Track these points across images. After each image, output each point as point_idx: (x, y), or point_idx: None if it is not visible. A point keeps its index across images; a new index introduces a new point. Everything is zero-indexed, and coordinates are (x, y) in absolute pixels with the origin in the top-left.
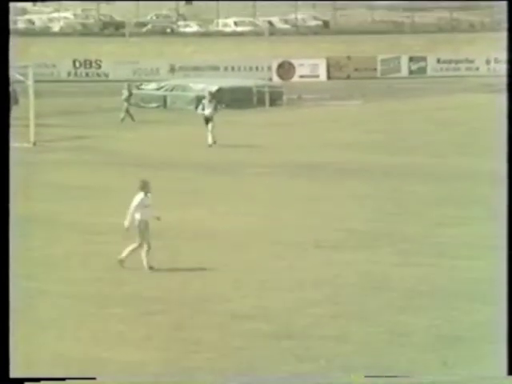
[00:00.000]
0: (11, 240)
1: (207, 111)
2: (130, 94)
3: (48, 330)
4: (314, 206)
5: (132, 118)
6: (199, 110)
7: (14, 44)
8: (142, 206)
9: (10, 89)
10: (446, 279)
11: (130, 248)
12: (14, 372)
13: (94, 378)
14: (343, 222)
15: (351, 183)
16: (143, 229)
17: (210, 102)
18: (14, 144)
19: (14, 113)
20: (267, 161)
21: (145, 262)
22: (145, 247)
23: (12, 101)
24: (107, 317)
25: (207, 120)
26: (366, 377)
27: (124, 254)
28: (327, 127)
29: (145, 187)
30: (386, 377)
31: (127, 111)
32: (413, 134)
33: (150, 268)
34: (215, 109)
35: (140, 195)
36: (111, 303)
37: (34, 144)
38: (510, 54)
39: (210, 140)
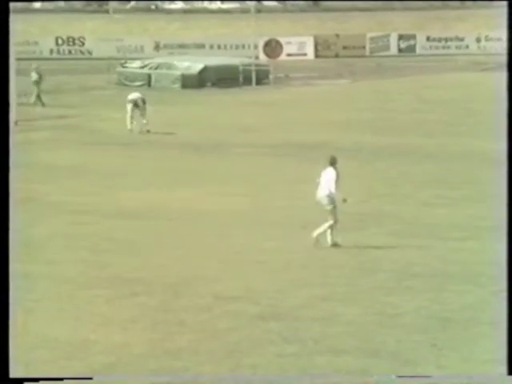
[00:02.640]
0: None
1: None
2: (40, 77)
3: (31, 312)
4: (301, 186)
5: (42, 104)
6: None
7: None
8: (332, 180)
9: None
10: (436, 260)
11: (327, 225)
12: (14, 372)
13: (90, 378)
14: None
15: (339, 163)
16: (336, 205)
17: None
18: None
19: None
20: (254, 141)
21: (329, 239)
22: (335, 224)
23: None
24: (91, 298)
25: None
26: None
27: (319, 230)
28: (315, 106)
29: (334, 162)
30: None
31: (38, 96)
32: (402, 114)
33: (334, 245)
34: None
35: (330, 169)
36: (95, 285)
37: (16, 123)
38: (510, 55)
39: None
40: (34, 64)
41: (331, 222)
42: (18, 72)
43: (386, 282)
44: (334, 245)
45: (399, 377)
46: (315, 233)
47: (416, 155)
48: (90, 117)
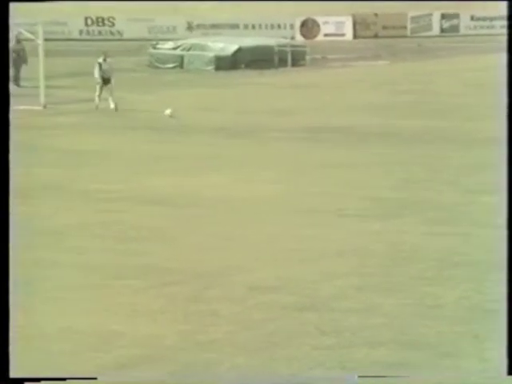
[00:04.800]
0: (20, 209)
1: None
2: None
3: (58, 302)
4: (337, 172)
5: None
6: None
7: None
8: None
9: (19, 47)
10: (478, 249)
11: None
12: (14, 372)
13: (95, 378)
14: (369, 190)
15: (378, 148)
16: None
17: (104, 60)
18: (24, 106)
19: (24, 73)
20: (289, 124)
21: None
22: None
23: (20, 60)
24: (120, 288)
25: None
26: (359, 377)
27: None
28: (353, 89)
29: None
30: (380, 377)
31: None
32: (444, 96)
33: None
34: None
35: None
36: (124, 274)
37: (45, 107)
38: (510, 55)
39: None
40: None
41: None
42: (47, 53)
43: (426, 272)
44: None
45: (401, 377)
46: None
47: (457, 140)
48: (119, 100)
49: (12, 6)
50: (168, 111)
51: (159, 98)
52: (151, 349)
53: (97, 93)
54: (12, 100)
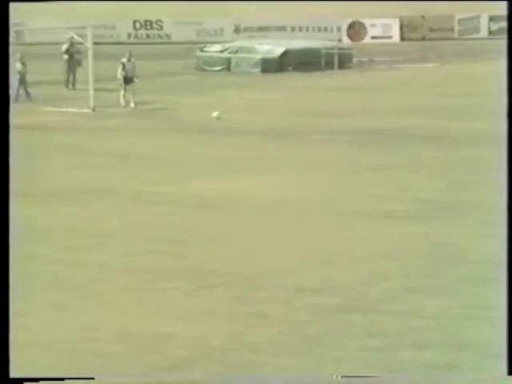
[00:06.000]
0: (69, 211)
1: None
2: (25, 67)
3: (108, 305)
4: (384, 174)
5: (28, 96)
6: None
7: (72, 4)
8: None
9: (73, 50)
10: None
11: None
12: (14, 372)
13: (92, 378)
14: (415, 192)
15: (424, 151)
16: None
17: (129, 60)
18: (73, 109)
19: (78, 76)
20: (336, 127)
21: None
22: None
23: (75, 63)
24: (169, 290)
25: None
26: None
27: None
28: (400, 91)
29: None
30: (366, 377)
31: (24, 89)
32: (493, 98)
33: None
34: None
35: None
36: (173, 276)
37: (93, 110)
38: (510, 55)
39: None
40: (18, 53)
41: None
42: (96, 57)
43: (473, 273)
44: None
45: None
46: None
47: (503, 142)
48: (167, 103)
49: (61, 9)
50: (215, 114)
51: (206, 101)
52: (200, 350)
53: (121, 93)
54: (62, 103)
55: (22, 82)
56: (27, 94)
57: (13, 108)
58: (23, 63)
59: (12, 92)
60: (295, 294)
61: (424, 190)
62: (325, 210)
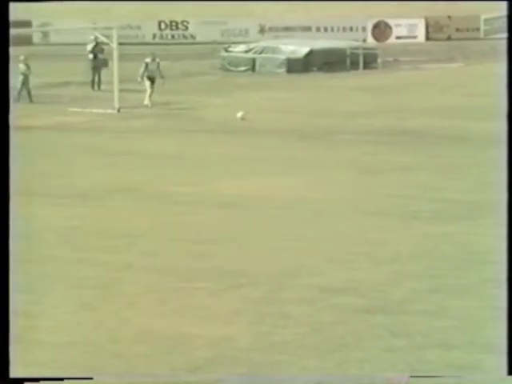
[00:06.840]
0: (96, 211)
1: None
2: (29, 69)
3: (133, 305)
4: (409, 175)
5: (30, 99)
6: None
7: (97, 4)
8: None
9: (98, 50)
10: None
11: None
12: (14, 372)
13: (91, 378)
14: (442, 192)
15: (450, 151)
16: None
17: (152, 60)
18: (98, 110)
19: (104, 76)
20: (361, 127)
21: None
22: None
23: (101, 63)
24: (194, 291)
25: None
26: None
27: None
28: (425, 91)
29: None
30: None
31: (28, 92)
32: None
33: None
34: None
35: None
36: (198, 277)
37: (119, 110)
38: (509, 56)
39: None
40: (22, 56)
41: None
42: (121, 57)
43: (498, 274)
44: None
45: (413, 377)
46: None
47: None
48: (192, 103)
49: (87, 9)
50: (240, 114)
51: (231, 101)
52: (224, 350)
53: (148, 92)
54: (88, 103)
55: (25, 83)
56: (29, 95)
57: (41, 109)
58: (27, 65)
59: (13, 93)
60: (319, 295)
61: (450, 190)
62: (349, 210)
